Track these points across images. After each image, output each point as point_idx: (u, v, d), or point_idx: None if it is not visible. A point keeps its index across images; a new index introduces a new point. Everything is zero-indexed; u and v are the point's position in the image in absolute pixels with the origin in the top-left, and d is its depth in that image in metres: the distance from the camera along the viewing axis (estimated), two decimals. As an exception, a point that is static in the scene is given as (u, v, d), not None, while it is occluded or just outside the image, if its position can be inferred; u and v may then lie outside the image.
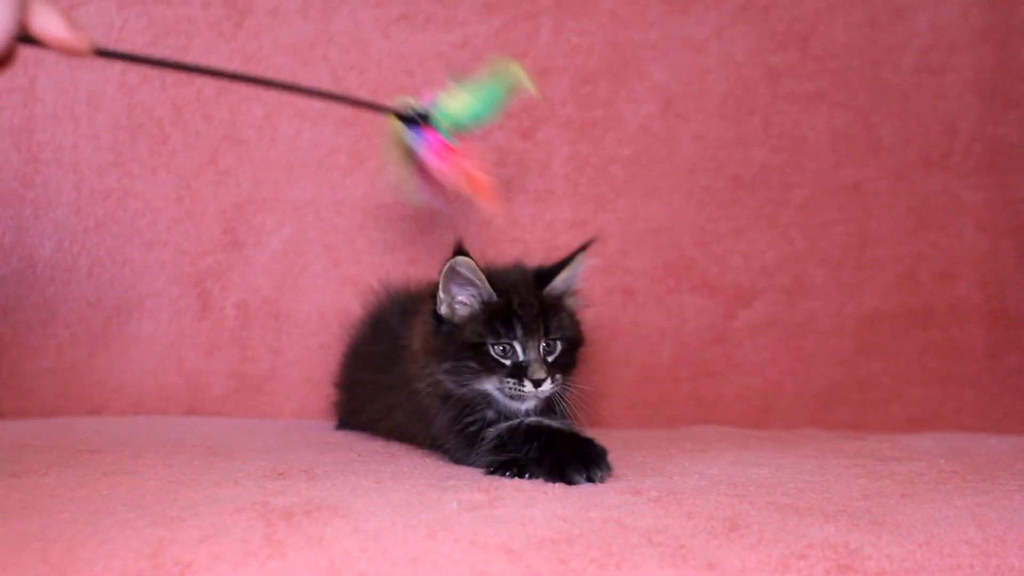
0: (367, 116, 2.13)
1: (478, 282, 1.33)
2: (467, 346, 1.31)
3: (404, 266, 2.10)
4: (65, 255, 2.05)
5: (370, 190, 2.12)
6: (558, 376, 1.32)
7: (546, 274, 1.39)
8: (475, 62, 2.14)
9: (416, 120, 1.26)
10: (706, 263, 2.12)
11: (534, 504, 0.87)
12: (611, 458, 1.20)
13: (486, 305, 1.34)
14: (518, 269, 1.44)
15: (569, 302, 1.42)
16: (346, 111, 2.12)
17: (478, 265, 1.32)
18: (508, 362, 1.30)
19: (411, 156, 1.29)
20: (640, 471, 1.13)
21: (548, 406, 1.34)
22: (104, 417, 1.98)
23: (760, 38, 2.14)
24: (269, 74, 2.12)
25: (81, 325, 2.04)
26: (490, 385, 1.30)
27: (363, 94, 2.13)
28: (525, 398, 1.30)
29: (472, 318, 1.34)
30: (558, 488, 0.97)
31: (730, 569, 0.69)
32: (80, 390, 2.02)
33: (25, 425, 1.70)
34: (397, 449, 1.38)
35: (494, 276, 1.36)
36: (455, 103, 1.27)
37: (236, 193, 2.10)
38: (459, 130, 1.27)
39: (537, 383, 1.28)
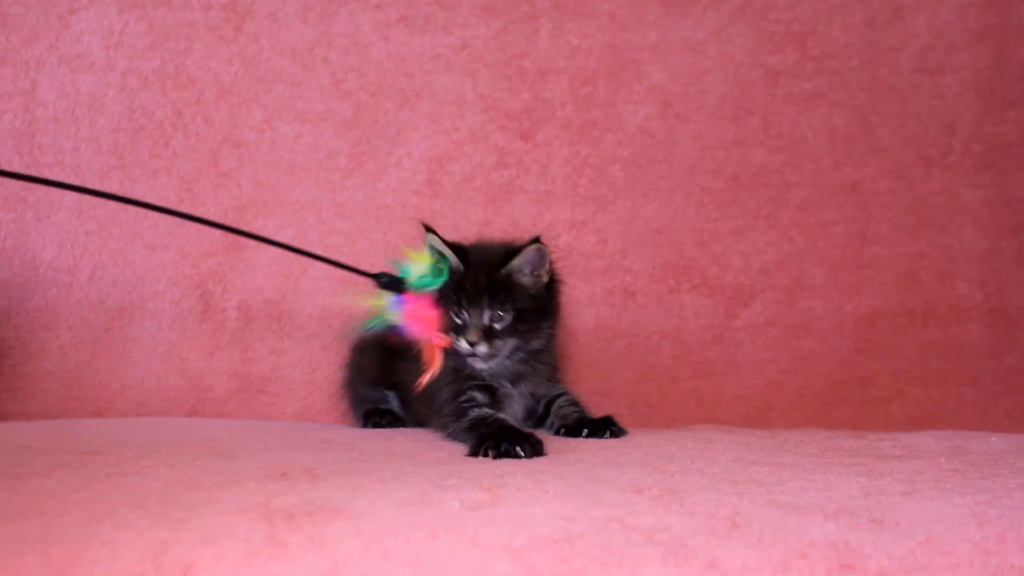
0: (367, 119, 2.13)
1: (448, 254, 1.59)
2: (442, 309, 1.57)
3: (405, 267, 2.11)
4: (67, 258, 2.05)
5: (370, 192, 2.12)
6: (506, 341, 1.58)
7: (505, 256, 1.61)
8: (475, 64, 2.15)
9: (395, 285, 1.52)
10: (706, 263, 2.12)
11: (536, 503, 0.87)
12: (612, 457, 1.22)
13: (453, 274, 1.59)
14: (499, 246, 1.66)
15: (524, 280, 1.62)
16: (347, 113, 2.13)
17: (444, 240, 1.59)
18: (460, 322, 1.58)
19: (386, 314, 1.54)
20: (641, 470, 1.13)
21: (523, 370, 1.64)
22: (107, 419, 1.98)
23: (758, 39, 2.15)
24: (270, 77, 2.13)
25: (83, 327, 2.05)
26: (455, 342, 1.56)
27: (363, 96, 2.14)
28: (465, 356, 1.57)
29: (446, 285, 1.59)
30: (559, 487, 0.97)
31: (731, 568, 0.69)
32: (82, 392, 2.03)
33: (28, 427, 1.70)
34: (398, 448, 1.38)
35: (473, 250, 1.64)
36: (415, 270, 1.56)
37: (237, 195, 2.11)
38: (420, 291, 1.54)
39: (471, 343, 1.55)
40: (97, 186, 2.06)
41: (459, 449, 1.37)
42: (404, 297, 1.51)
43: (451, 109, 2.14)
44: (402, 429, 1.77)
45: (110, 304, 2.06)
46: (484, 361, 1.58)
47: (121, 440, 1.45)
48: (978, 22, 2.12)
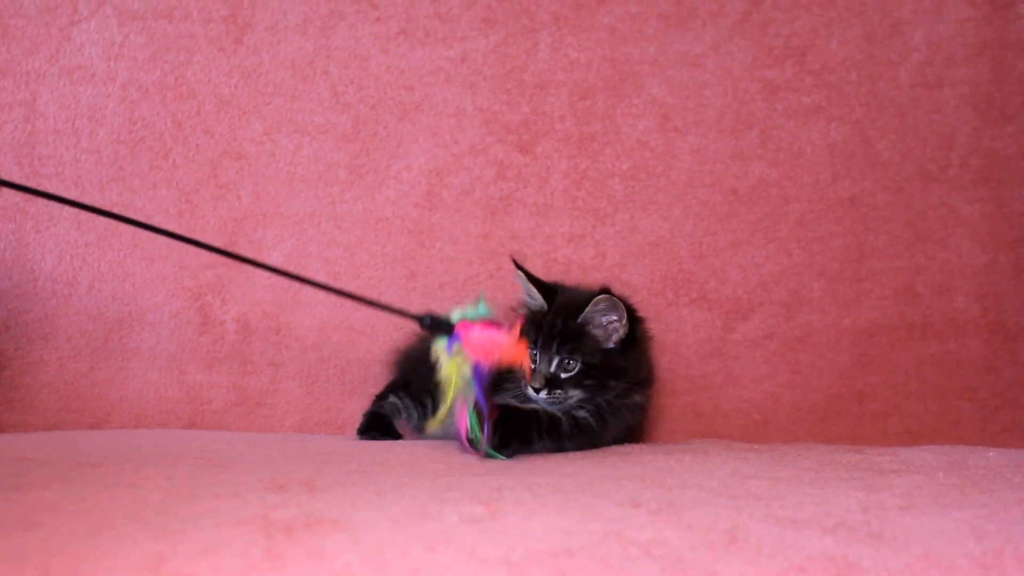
0: (367, 132, 2.14)
1: (532, 291, 1.67)
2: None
3: (404, 280, 2.11)
4: (66, 269, 2.06)
5: (370, 204, 2.13)
6: (570, 392, 1.59)
7: (582, 304, 1.61)
8: (474, 77, 2.16)
9: (441, 326, 1.45)
10: (704, 276, 2.12)
11: (534, 516, 0.87)
12: (610, 470, 1.22)
13: (533, 314, 1.67)
14: (584, 292, 1.67)
15: (596, 332, 1.63)
16: (346, 126, 2.13)
17: (530, 277, 1.67)
18: (532, 365, 1.60)
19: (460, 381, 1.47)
20: (640, 483, 1.13)
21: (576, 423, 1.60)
22: (105, 431, 1.98)
23: (757, 53, 2.15)
24: (269, 90, 2.13)
25: (82, 339, 2.05)
26: (523, 385, 1.60)
27: (362, 109, 2.14)
28: (530, 399, 1.59)
29: (528, 321, 1.64)
30: (558, 500, 0.97)
31: (729, 582, 0.69)
32: (81, 404, 2.03)
33: (26, 439, 1.70)
34: (396, 460, 1.38)
35: (561, 291, 1.69)
36: (462, 310, 1.48)
37: (236, 207, 2.11)
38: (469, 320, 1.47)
39: (535, 390, 1.57)
40: (97, 198, 2.07)
41: (457, 461, 1.37)
42: (457, 332, 1.43)
43: (450, 122, 2.15)
44: (400, 441, 1.77)
45: (109, 316, 2.06)
46: (549, 406, 1.58)
47: (119, 452, 1.45)
48: (976, 37, 2.13)
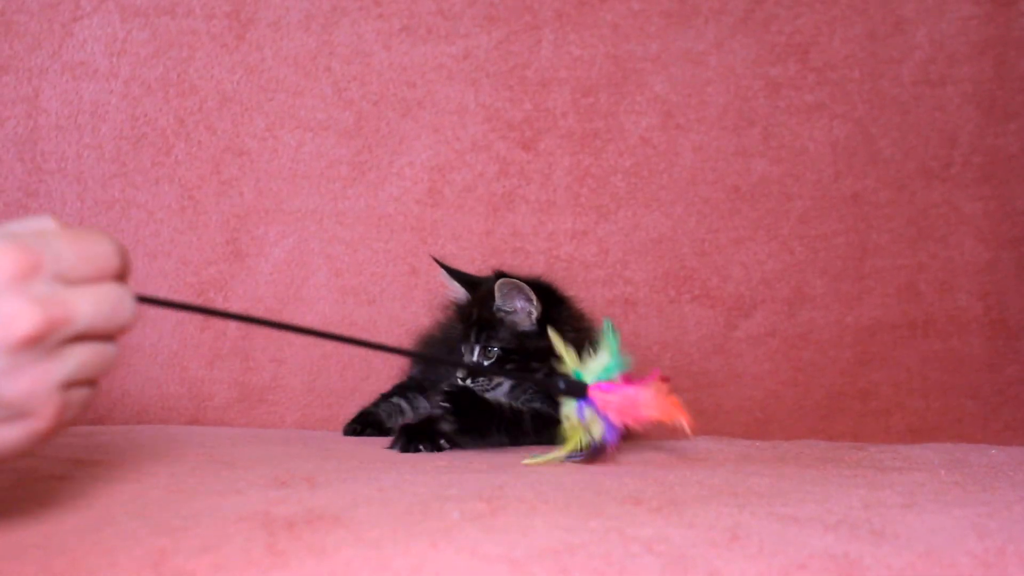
0: (369, 128, 2.13)
1: (455, 286, 1.72)
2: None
3: (406, 276, 2.11)
4: (68, 265, 2.05)
5: (372, 201, 2.12)
6: (492, 379, 1.61)
7: (491, 294, 1.63)
8: (477, 73, 2.16)
9: (576, 390, 1.26)
10: (706, 273, 2.12)
11: (535, 514, 0.87)
12: (611, 467, 1.24)
13: (460, 308, 1.72)
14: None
15: (510, 318, 1.63)
16: (348, 122, 2.13)
17: (450, 272, 1.72)
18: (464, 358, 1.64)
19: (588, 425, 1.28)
20: (641, 481, 1.13)
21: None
22: (107, 426, 1.98)
23: (760, 50, 2.15)
24: (272, 86, 2.13)
25: (83, 335, 2.05)
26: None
27: (365, 105, 2.14)
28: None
29: (457, 317, 1.71)
30: (559, 498, 0.97)
31: (730, 579, 0.69)
32: (82, 400, 2.03)
33: (27, 435, 1.70)
34: (398, 457, 1.38)
35: (484, 283, 1.69)
36: (596, 364, 1.29)
37: (239, 204, 2.11)
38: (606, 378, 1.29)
39: (461, 379, 1.59)
40: (99, 194, 2.07)
41: (459, 459, 1.37)
42: (591, 397, 1.25)
43: (453, 118, 2.14)
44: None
45: (111, 311, 2.05)
46: (481, 393, 1.60)
47: (121, 448, 1.45)
48: (979, 35, 2.13)
